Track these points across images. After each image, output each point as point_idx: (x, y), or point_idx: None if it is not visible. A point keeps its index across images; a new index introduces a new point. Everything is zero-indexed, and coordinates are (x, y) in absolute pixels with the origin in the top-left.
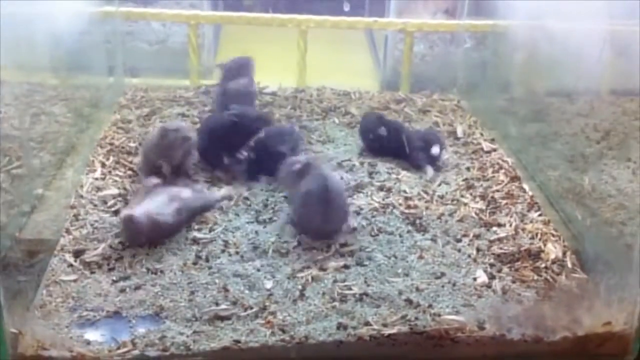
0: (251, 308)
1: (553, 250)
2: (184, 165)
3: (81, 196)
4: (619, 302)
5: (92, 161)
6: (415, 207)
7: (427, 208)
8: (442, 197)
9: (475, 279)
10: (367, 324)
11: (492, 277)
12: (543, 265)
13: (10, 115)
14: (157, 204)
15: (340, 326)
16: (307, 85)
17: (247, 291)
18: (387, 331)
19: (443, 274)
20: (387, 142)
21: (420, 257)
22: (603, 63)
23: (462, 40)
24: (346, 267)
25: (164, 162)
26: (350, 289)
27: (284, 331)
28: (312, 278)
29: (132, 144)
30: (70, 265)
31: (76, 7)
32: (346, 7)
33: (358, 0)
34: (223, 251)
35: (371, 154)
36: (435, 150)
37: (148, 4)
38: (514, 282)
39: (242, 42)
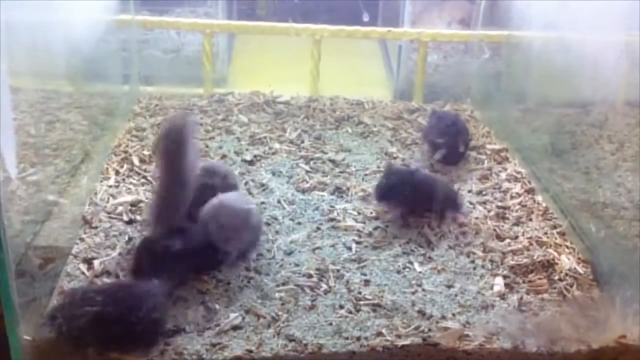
0: (264, 317)
1: (567, 262)
2: None
3: (95, 204)
4: (634, 315)
5: (107, 169)
6: (429, 217)
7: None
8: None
9: (492, 287)
10: (380, 334)
11: (505, 287)
12: (557, 277)
13: (25, 123)
14: None
15: (354, 337)
16: (320, 95)
17: (259, 300)
18: (400, 342)
19: (456, 285)
20: None
21: (433, 268)
22: (619, 74)
23: (480, 50)
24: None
25: None
26: (363, 299)
27: (296, 341)
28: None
29: (146, 152)
30: (83, 272)
31: (92, 15)
32: (365, 18)
33: (372, 10)
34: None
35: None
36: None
37: (164, 12)
38: (527, 293)
39: (255, 51)
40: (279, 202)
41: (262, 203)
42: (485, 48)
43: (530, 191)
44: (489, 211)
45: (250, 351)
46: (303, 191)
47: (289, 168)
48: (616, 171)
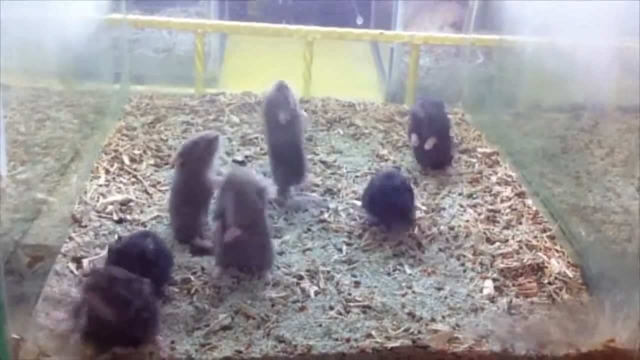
0: (253, 318)
1: (556, 266)
2: None
3: (85, 202)
4: (622, 319)
5: (97, 168)
6: (419, 219)
7: (430, 221)
8: (445, 210)
9: (482, 290)
10: (369, 336)
11: (495, 290)
12: (546, 280)
13: (15, 121)
14: None
15: (343, 338)
16: (312, 96)
17: (249, 301)
18: (390, 344)
19: (446, 288)
20: None
21: (423, 271)
22: (610, 79)
23: (472, 54)
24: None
25: None
26: (353, 301)
27: (286, 342)
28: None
29: (136, 152)
30: (72, 271)
31: (84, 14)
32: (359, 21)
33: (364, 13)
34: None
35: None
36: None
37: (155, 11)
38: (517, 296)
39: (247, 52)
40: (270, 203)
41: None
42: (478, 53)
43: (520, 195)
44: (479, 214)
45: (240, 352)
46: None
47: None
48: (606, 176)
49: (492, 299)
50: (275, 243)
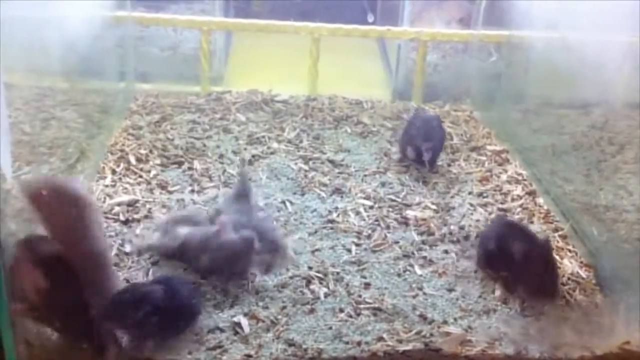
0: (263, 321)
1: (569, 266)
2: None
3: None
4: (638, 321)
5: (103, 168)
6: (429, 219)
7: (440, 221)
8: (455, 210)
9: (494, 291)
10: (381, 339)
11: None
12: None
13: (20, 120)
14: None
15: (354, 341)
16: (318, 94)
17: (259, 303)
18: (402, 347)
19: (457, 289)
20: None
21: (434, 271)
22: (620, 75)
23: (485, 52)
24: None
25: None
26: (364, 303)
27: (296, 346)
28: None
29: (142, 151)
30: None
31: (89, 11)
32: (370, 19)
33: (371, 9)
34: None
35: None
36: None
37: (160, 9)
38: None
39: (253, 49)
40: (277, 202)
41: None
42: (492, 50)
43: (531, 193)
44: (490, 213)
45: (250, 356)
46: (302, 192)
47: (287, 168)
48: (617, 173)
49: (504, 301)
50: None
